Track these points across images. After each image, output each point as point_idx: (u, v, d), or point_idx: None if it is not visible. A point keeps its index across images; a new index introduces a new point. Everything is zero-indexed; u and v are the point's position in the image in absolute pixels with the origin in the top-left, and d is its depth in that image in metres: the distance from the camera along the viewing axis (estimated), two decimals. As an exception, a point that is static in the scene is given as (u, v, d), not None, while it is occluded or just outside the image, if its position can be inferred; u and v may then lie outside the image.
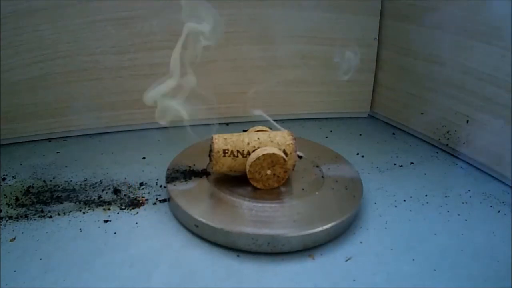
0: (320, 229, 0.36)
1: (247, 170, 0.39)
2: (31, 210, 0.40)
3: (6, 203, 0.40)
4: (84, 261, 0.34)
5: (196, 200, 0.39)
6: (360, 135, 0.59)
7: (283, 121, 0.46)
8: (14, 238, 0.36)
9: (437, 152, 0.54)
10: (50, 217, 0.39)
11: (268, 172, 0.39)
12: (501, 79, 0.45)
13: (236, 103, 0.59)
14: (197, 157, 0.44)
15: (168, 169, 0.43)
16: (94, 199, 0.42)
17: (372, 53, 0.60)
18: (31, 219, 0.38)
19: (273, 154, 0.38)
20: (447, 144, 0.53)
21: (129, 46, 0.52)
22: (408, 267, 0.35)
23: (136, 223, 0.39)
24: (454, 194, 0.45)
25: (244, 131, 0.45)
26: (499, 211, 0.42)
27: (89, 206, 0.41)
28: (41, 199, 0.41)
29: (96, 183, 0.44)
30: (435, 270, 0.34)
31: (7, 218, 0.38)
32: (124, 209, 0.41)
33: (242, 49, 0.56)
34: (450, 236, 0.39)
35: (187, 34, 0.41)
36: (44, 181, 0.44)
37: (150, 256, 0.35)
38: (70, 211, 0.40)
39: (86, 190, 0.43)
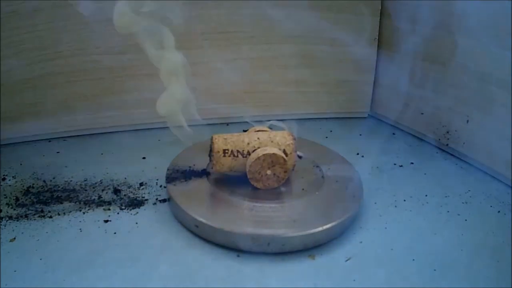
0: (320, 229, 0.36)
1: (247, 170, 0.39)
2: (31, 210, 0.40)
3: (6, 203, 0.40)
4: (84, 261, 0.34)
5: (196, 200, 0.39)
6: (360, 135, 0.59)
7: (283, 121, 0.46)
8: (14, 238, 0.36)
9: (437, 152, 0.54)
10: (50, 217, 0.39)
11: (268, 172, 0.39)
12: (501, 79, 0.45)
13: (236, 103, 0.59)
14: (197, 157, 0.44)
15: (168, 169, 0.43)
16: (94, 199, 0.42)
17: (372, 53, 0.60)
18: (31, 219, 0.38)
19: (273, 154, 0.38)
20: (447, 144, 0.53)
21: (129, 46, 0.52)
22: (408, 267, 0.35)
23: (136, 223, 0.39)
24: (454, 194, 0.45)
25: (244, 131, 0.45)
26: (499, 211, 0.42)
27: (89, 206, 0.41)
28: (41, 199, 0.41)
29: (96, 183, 0.44)
30: (435, 270, 0.34)
31: (7, 218, 0.38)
32: (124, 209, 0.41)
33: (242, 49, 0.56)
34: (450, 236, 0.39)
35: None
36: (44, 181, 0.44)
37: (150, 256, 0.35)
38: (70, 211, 0.40)
39: (86, 190, 0.43)
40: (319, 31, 0.58)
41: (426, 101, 0.55)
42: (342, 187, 0.41)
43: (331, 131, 0.59)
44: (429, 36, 0.53)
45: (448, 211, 0.42)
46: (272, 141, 0.40)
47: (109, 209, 0.40)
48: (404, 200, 0.44)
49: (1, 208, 0.40)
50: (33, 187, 0.43)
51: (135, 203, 0.41)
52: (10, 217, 0.38)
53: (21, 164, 0.48)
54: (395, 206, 0.43)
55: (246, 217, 0.37)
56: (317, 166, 0.45)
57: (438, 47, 0.52)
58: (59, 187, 0.43)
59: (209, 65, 0.55)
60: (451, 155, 0.53)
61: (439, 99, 0.53)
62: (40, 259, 0.34)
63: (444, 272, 0.34)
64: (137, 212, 0.40)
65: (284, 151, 0.40)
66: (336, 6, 0.57)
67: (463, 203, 0.44)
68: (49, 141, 0.53)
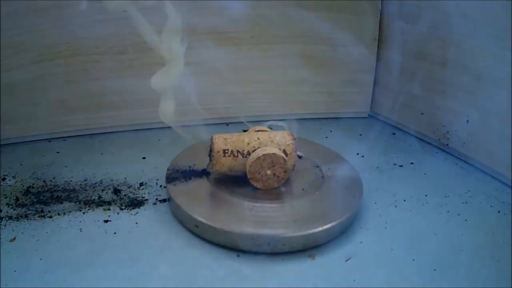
0: (320, 229, 0.36)
1: (247, 170, 0.39)
2: (31, 210, 0.40)
3: (6, 203, 0.40)
4: (84, 261, 0.34)
5: (196, 200, 0.39)
6: (360, 135, 0.59)
7: (283, 121, 0.46)
8: (14, 238, 0.36)
9: (437, 152, 0.54)
10: (50, 217, 0.39)
11: (268, 172, 0.39)
12: (501, 79, 0.45)
13: (236, 103, 0.59)
14: (197, 157, 0.44)
15: (168, 169, 0.43)
16: (94, 199, 0.42)
17: (372, 53, 0.60)
18: (31, 219, 0.38)
19: (273, 154, 0.38)
20: (447, 144, 0.53)
21: (129, 46, 0.52)
22: (408, 267, 0.35)
23: (136, 223, 0.39)
24: (454, 194, 0.45)
25: (244, 131, 0.45)
26: (499, 211, 0.42)
27: (89, 206, 0.41)
28: (41, 199, 0.41)
29: (96, 183, 0.44)
30: (435, 270, 0.34)
31: (7, 218, 0.38)
32: (124, 209, 0.41)
33: (242, 49, 0.56)
34: (450, 236, 0.39)
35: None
36: (44, 181, 0.44)
37: (150, 256, 0.35)
38: (70, 211, 0.40)
39: (86, 190, 0.43)
40: (319, 31, 0.58)
41: (426, 101, 0.55)
42: (342, 187, 0.41)
43: (331, 131, 0.59)
44: (429, 36, 0.53)
45: (448, 211, 0.42)
46: (272, 141, 0.40)
47: (109, 209, 0.40)
48: (404, 200, 0.44)
49: (1, 208, 0.40)
50: (33, 187, 0.43)
51: (135, 203, 0.41)
52: (10, 217, 0.38)
53: (21, 164, 0.48)
54: (395, 206, 0.43)
55: (246, 217, 0.37)
56: (317, 166, 0.45)
57: (438, 47, 0.52)
58: (59, 187, 0.43)
59: (209, 65, 0.55)
60: (451, 155, 0.53)
61: (439, 99, 0.53)
62: (40, 259, 0.34)
63: (444, 272, 0.34)
64: (137, 212, 0.40)
65: (284, 151, 0.40)
66: (336, 6, 0.57)
67: (463, 203, 0.44)
68: (49, 141, 0.53)
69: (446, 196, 0.44)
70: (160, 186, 0.44)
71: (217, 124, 0.59)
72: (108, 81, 0.53)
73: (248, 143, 0.40)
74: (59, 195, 0.42)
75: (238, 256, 0.35)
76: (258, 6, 0.54)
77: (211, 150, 0.40)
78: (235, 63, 0.57)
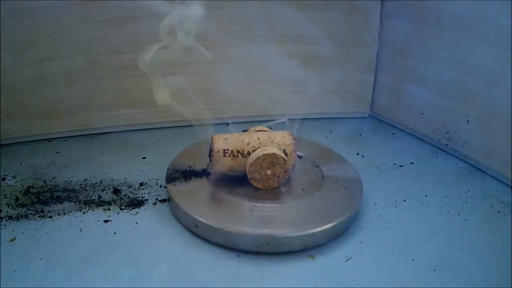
0: (320, 229, 0.36)
1: (247, 170, 0.39)
2: (31, 210, 0.40)
3: (6, 203, 0.40)
4: (84, 261, 0.34)
5: (196, 200, 0.39)
6: (360, 135, 0.59)
7: (284, 121, 0.46)
8: (14, 238, 0.36)
9: (437, 152, 0.54)
10: (50, 217, 0.39)
11: (268, 172, 0.39)
12: (501, 79, 0.45)
13: (236, 103, 0.59)
14: (197, 157, 0.44)
15: (168, 169, 0.43)
16: (94, 199, 0.42)
17: (372, 53, 0.60)
18: (31, 219, 0.38)
19: (273, 154, 0.38)
20: (447, 144, 0.53)
21: (129, 46, 0.52)
22: (408, 267, 0.35)
23: (136, 223, 0.39)
24: (454, 194, 0.45)
25: (244, 131, 0.45)
26: (499, 211, 0.42)
27: (89, 206, 0.41)
28: (41, 199, 0.41)
29: (96, 183, 0.44)
30: (435, 270, 0.34)
31: (7, 218, 0.38)
32: (124, 209, 0.41)
33: (242, 49, 0.56)
34: (450, 236, 0.39)
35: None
36: (44, 181, 0.44)
37: (150, 256, 0.35)
38: (70, 211, 0.40)
39: (86, 190, 0.43)
40: (319, 31, 0.58)
41: (426, 101, 0.55)
42: (342, 187, 0.41)
43: (331, 131, 0.59)
44: (429, 36, 0.53)
45: (448, 211, 0.42)
46: (272, 141, 0.40)
47: (109, 209, 0.40)
48: (404, 200, 0.44)
49: (1, 208, 0.40)
50: (33, 187, 0.43)
51: (135, 203, 0.41)
52: (10, 217, 0.38)
53: (21, 164, 0.48)
54: (395, 206, 0.43)
55: (246, 217, 0.37)
56: (317, 166, 0.45)
57: (438, 47, 0.52)
58: (59, 187, 0.43)
59: (209, 65, 0.55)
60: (451, 155, 0.53)
61: (439, 99, 0.53)
62: (40, 259, 0.34)
63: (444, 272, 0.34)
64: (137, 212, 0.40)
65: (284, 151, 0.40)
66: (336, 6, 0.57)
67: (463, 203, 0.44)
68: (49, 141, 0.53)
69: (446, 196, 0.44)
70: (160, 186, 0.44)
71: (217, 124, 0.59)
72: (108, 81, 0.53)
73: (248, 143, 0.40)
74: (59, 195, 0.42)
75: (238, 256, 0.35)
76: (258, 6, 0.54)
77: (211, 150, 0.40)
78: (235, 63, 0.57)
